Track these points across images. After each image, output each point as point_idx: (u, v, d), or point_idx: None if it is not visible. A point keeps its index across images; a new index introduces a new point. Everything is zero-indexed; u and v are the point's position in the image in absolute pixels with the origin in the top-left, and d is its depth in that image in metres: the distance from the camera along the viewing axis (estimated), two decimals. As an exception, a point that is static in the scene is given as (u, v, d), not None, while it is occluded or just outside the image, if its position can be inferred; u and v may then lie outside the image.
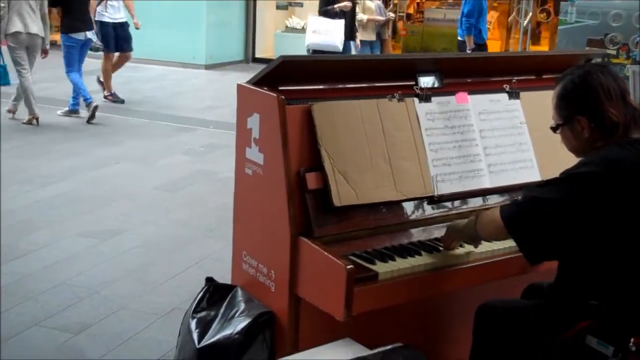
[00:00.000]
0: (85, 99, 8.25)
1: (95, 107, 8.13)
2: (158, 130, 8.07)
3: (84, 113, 8.48)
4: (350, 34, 9.18)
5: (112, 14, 8.99)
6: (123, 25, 9.13)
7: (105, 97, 9.18)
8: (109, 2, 8.90)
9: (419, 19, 13.84)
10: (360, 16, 9.88)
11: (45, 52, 7.91)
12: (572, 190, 2.10)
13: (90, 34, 8.24)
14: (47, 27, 7.91)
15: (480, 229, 2.35)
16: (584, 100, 2.23)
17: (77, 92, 8.30)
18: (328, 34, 8.79)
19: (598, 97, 2.20)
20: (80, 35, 8.13)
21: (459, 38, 9.47)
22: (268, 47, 13.86)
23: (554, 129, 2.33)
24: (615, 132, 2.20)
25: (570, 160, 2.93)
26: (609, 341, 2.14)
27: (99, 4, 8.76)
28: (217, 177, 6.31)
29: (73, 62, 8.23)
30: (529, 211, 2.15)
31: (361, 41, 9.90)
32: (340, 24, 8.83)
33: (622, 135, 2.20)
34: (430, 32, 13.42)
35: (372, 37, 10.45)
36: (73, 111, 8.40)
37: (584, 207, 2.08)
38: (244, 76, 2.77)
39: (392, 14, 11.10)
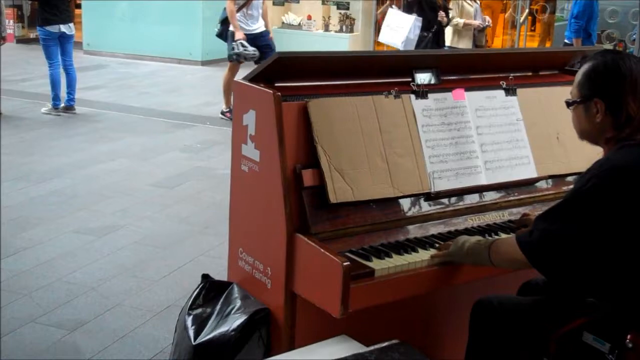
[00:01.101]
0: (54, 101, 8.28)
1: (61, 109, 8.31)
2: (154, 127, 8.05)
3: (80, 109, 8.47)
4: (437, 38, 8.25)
5: (250, 24, 8.05)
6: (263, 35, 8.27)
7: (223, 113, 8.38)
8: (248, 11, 7.99)
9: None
10: (457, 20, 8.74)
11: (4, 39, 8.21)
12: (584, 213, 2.07)
13: (65, 27, 8.17)
14: (2, 16, 8.18)
15: (497, 259, 2.30)
16: (609, 84, 2.17)
17: (53, 88, 8.27)
18: (398, 29, 7.90)
19: (623, 86, 2.15)
20: (54, 28, 8.09)
21: (566, 40, 8.86)
22: (264, 44, 13.82)
23: (568, 104, 2.28)
24: (627, 127, 2.15)
25: (567, 158, 2.94)
26: (605, 337, 2.14)
27: (238, 11, 7.93)
28: (213, 173, 6.30)
29: (52, 55, 8.23)
30: (548, 247, 2.11)
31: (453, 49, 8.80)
32: (409, 20, 7.88)
33: (632, 133, 2.15)
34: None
35: (469, 44, 9.13)
36: (68, 107, 8.38)
37: (595, 226, 2.05)
38: (240, 72, 2.76)
39: (489, 18, 9.46)
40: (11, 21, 13.36)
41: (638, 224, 2.04)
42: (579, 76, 2.25)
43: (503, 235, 2.60)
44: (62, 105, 8.35)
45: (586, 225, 2.06)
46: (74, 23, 8.41)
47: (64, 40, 8.26)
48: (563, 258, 2.10)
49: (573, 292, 2.32)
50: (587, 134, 2.26)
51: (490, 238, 2.41)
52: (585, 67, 2.24)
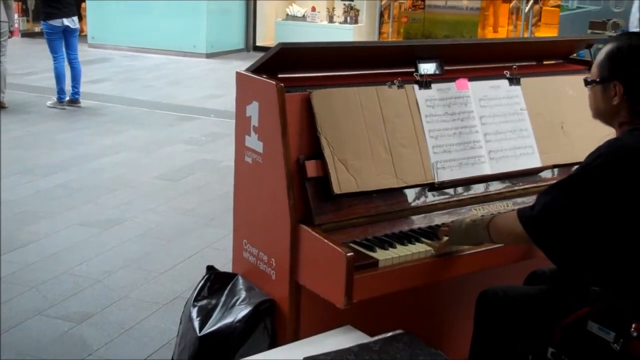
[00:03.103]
0: (59, 94, 8.30)
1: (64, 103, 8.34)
2: (159, 120, 8.06)
3: (84, 102, 8.48)
4: None
5: None
6: None
7: None
8: None
9: (420, 5, 13.79)
10: None
11: (12, 33, 8.32)
12: (588, 189, 2.04)
13: (69, 21, 8.18)
14: (11, 11, 8.27)
15: (496, 235, 2.28)
16: (631, 68, 2.12)
17: (58, 82, 8.29)
18: None
19: None
20: (57, 22, 8.11)
21: None
22: (269, 35, 13.82)
23: (586, 82, 2.24)
24: None
25: (571, 147, 2.93)
26: (610, 327, 2.13)
27: None
28: (218, 165, 6.31)
29: (57, 49, 8.26)
30: (549, 221, 2.08)
31: None
32: None
33: None
34: (432, 19, 13.36)
35: None
36: (73, 101, 8.39)
37: (598, 203, 2.03)
38: (244, 64, 2.76)
39: None
40: (16, 15, 13.38)
41: (627, 202, 2.02)
42: (601, 55, 2.20)
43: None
44: (68, 98, 8.36)
45: (589, 202, 2.04)
46: (78, 17, 8.42)
47: (68, 34, 8.27)
48: (563, 233, 2.07)
49: (577, 279, 2.31)
50: (601, 115, 2.23)
51: (487, 215, 2.38)
52: (608, 47, 2.19)
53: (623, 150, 2.07)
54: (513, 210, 2.26)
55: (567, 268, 2.32)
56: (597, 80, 2.20)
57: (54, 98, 8.35)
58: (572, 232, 2.07)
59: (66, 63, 8.35)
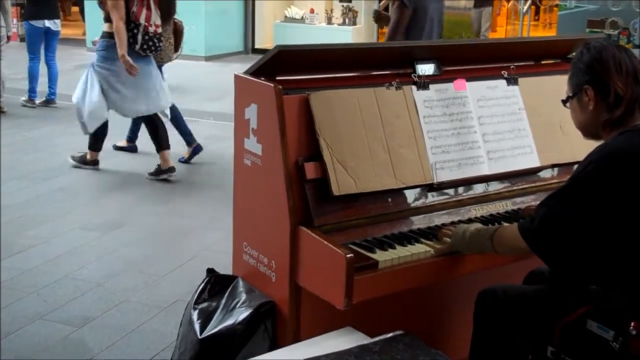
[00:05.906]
0: (30, 93, 8.41)
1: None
2: (158, 123, 8.04)
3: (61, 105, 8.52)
4: None
5: None
6: None
7: None
8: None
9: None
10: None
11: (9, 38, 8.40)
12: (583, 197, 2.08)
13: (50, 23, 8.26)
14: (8, 16, 8.28)
15: (500, 248, 2.31)
16: (593, 68, 2.19)
17: (31, 81, 8.39)
18: None
19: (607, 67, 2.17)
20: (39, 23, 8.20)
21: None
22: (268, 38, 13.83)
23: (564, 102, 2.31)
24: (619, 107, 2.16)
25: (570, 147, 2.93)
26: (610, 325, 2.14)
27: None
28: (217, 168, 6.31)
29: (35, 50, 8.36)
30: (548, 232, 2.12)
31: None
32: None
33: (625, 114, 2.17)
34: (430, 20, 13.38)
35: None
36: (49, 101, 8.55)
37: (594, 209, 2.06)
38: (243, 67, 2.76)
39: None
40: (15, 20, 13.39)
41: (635, 208, 2.04)
42: (569, 73, 2.29)
43: (505, 224, 2.60)
44: (44, 99, 8.50)
45: (585, 209, 2.07)
46: (60, 19, 8.53)
47: (49, 36, 8.41)
48: (563, 243, 2.11)
49: (576, 279, 2.32)
50: (587, 128, 2.28)
51: (491, 226, 2.41)
52: (572, 62, 2.29)
53: (611, 155, 2.11)
54: (515, 223, 2.29)
55: (568, 274, 2.34)
56: (571, 94, 2.27)
57: (26, 96, 8.50)
58: (571, 240, 2.10)
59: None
